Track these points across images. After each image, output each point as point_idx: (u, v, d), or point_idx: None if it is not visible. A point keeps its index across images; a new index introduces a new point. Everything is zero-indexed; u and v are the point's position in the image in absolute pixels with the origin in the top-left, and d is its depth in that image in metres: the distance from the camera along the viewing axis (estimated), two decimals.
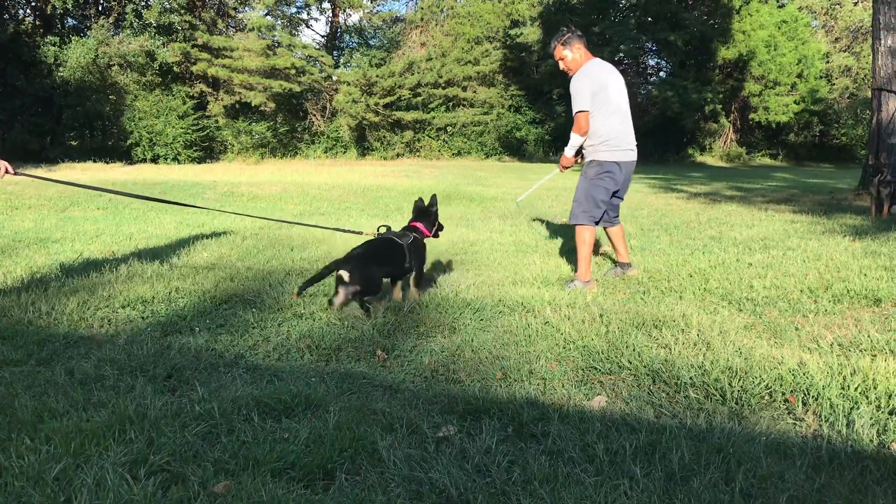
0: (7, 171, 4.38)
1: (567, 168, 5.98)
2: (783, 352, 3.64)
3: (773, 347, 3.78)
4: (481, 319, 4.45)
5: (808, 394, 3.07)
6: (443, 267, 6.19)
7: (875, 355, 3.56)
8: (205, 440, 2.53)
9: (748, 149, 37.73)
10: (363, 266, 4.51)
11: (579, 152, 5.79)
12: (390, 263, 4.84)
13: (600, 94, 5.51)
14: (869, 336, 3.87)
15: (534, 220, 9.71)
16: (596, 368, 3.49)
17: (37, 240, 7.30)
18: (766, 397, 3.11)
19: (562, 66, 5.76)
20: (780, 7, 37.25)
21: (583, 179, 5.70)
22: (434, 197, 5.64)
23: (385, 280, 4.89)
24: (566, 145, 5.80)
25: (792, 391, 3.12)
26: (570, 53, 5.63)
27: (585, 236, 5.56)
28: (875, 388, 3.07)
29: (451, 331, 4.22)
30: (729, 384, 3.19)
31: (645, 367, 3.48)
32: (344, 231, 5.89)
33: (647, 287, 5.40)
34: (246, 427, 2.64)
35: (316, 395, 2.98)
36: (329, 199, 11.94)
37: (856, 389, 3.08)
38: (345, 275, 4.41)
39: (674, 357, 3.57)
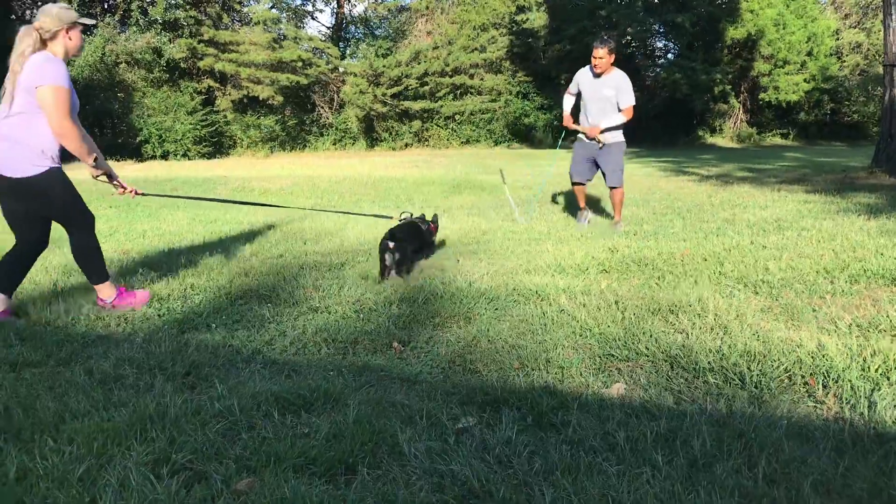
0: (136, 193, 4.85)
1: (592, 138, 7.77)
2: (801, 334, 3.62)
3: (791, 330, 3.76)
4: (496, 309, 4.44)
5: (829, 376, 3.05)
6: (456, 257, 6.18)
7: (895, 336, 3.54)
8: (225, 437, 2.54)
9: (759, 129, 37.42)
10: (403, 242, 5.48)
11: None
12: (417, 241, 5.88)
13: None
14: (888, 316, 3.84)
15: (554, 202, 9.70)
16: (613, 355, 3.48)
17: (51, 240, 7.31)
18: (786, 381, 3.09)
19: (602, 62, 7.41)
20: None
21: (619, 155, 7.76)
22: (436, 216, 6.65)
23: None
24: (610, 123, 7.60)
25: (812, 374, 3.10)
26: (611, 57, 7.44)
27: (623, 192, 7.91)
28: None
29: (466, 321, 4.21)
30: (748, 368, 3.18)
31: (663, 352, 3.46)
32: (376, 216, 6.84)
33: (663, 272, 5.36)
34: (266, 423, 2.65)
35: (334, 388, 2.98)
36: (339, 192, 11.95)
37: (877, 370, 3.06)
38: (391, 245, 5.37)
39: (691, 342, 3.56)
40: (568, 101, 8.11)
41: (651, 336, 3.70)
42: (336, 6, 35.08)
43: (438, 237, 6.65)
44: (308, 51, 30.87)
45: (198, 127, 25.94)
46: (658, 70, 37.05)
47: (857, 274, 4.93)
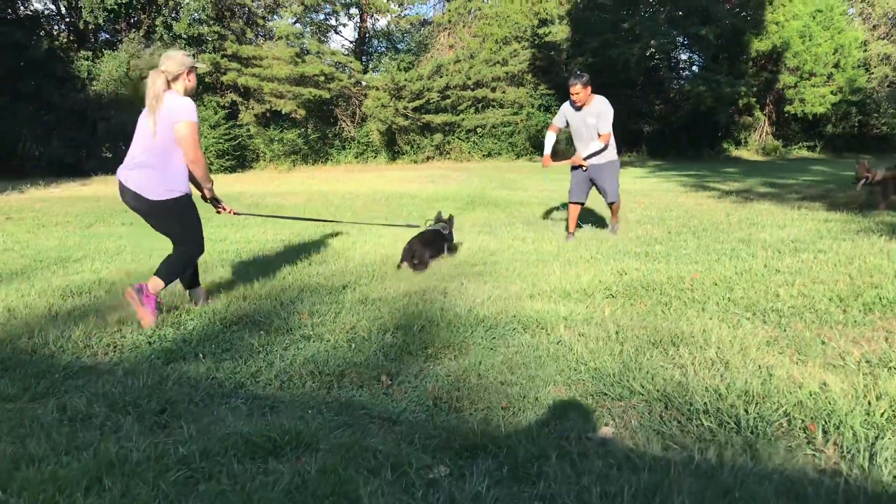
0: (233, 212, 5.63)
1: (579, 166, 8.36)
2: (806, 370, 3.45)
3: (796, 365, 3.59)
4: (493, 338, 4.32)
5: (830, 421, 2.88)
6: (460, 279, 6.05)
7: None
8: (182, 488, 2.42)
9: (785, 141, 36.95)
10: (421, 247, 6.81)
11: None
12: (438, 244, 7.17)
13: None
14: None
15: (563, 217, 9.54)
16: (606, 394, 3.33)
17: (57, 259, 7.32)
18: (785, 425, 2.93)
19: (579, 96, 7.96)
20: None
21: (614, 173, 8.29)
22: (451, 217, 7.68)
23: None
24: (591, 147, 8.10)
25: (813, 418, 2.94)
26: (587, 89, 7.97)
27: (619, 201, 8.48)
28: None
29: (460, 351, 4.09)
30: (745, 410, 3.02)
31: (658, 390, 3.31)
32: (403, 226, 8.04)
33: (670, 297, 5.20)
34: (227, 472, 2.53)
35: (308, 430, 2.86)
36: (353, 209, 11.86)
37: (882, 415, 2.89)
38: (415, 251, 6.74)
39: (688, 379, 3.40)
40: (550, 139, 8.56)
41: (648, 372, 3.55)
42: (359, 20, 35.19)
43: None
44: (331, 65, 30.97)
45: (221, 141, 26.10)
46: (682, 82, 36.77)
47: (871, 302, 4.74)
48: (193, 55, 26.93)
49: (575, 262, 6.78)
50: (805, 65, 33.47)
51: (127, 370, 3.76)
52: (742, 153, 35.89)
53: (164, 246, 8.17)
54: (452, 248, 7.47)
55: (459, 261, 7.02)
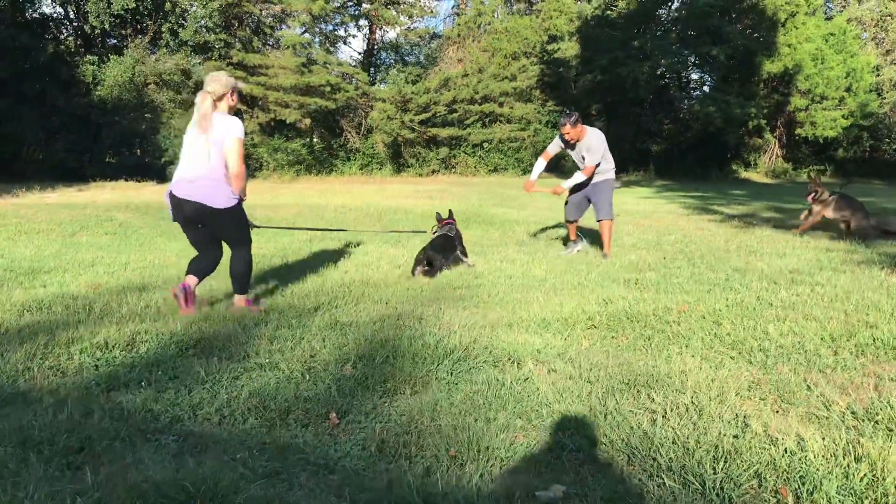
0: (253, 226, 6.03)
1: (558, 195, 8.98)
2: (786, 422, 3.19)
3: (776, 415, 3.33)
4: (459, 372, 4.05)
5: (804, 485, 2.62)
6: (439, 304, 5.79)
7: (892, 430, 3.09)
8: None
9: (795, 164, 36.64)
10: (433, 253, 7.30)
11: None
12: (449, 249, 7.62)
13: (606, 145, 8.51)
14: (888, 403, 3.38)
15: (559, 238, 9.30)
16: (565, 444, 3.07)
17: (29, 270, 7.10)
18: (755, 487, 2.66)
19: (570, 135, 8.27)
20: (827, 19, 36.22)
21: (608, 191, 8.50)
22: (450, 212, 8.44)
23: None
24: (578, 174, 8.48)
25: (785, 480, 2.67)
26: (576, 127, 8.25)
27: (612, 224, 8.61)
28: (883, 480, 2.60)
29: (423, 386, 3.84)
30: (712, 469, 2.76)
31: (622, 440, 3.05)
32: (415, 232, 9.16)
33: (654, 331, 4.94)
34: None
35: (228, 481, 2.59)
36: (343, 222, 11.62)
37: (861, 480, 2.62)
38: (429, 257, 7.26)
39: (657, 429, 3.14)
40: (538, 166, 8.89)
41: (615, 418, 3.29)
42: (368, 32, 35.14)
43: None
44: (337, 76, 30.85)
45: None
46: (692, 102, 36.51)
47: (864, 343, 4.47)
48: (200, 63, 26.96)
49: (561, 288, 6.52)
50: (817, 88, 33.19)
51: (59, 399, 3.51)
52: (751, 175, 35.59)
53: (145, 258, 8.00)
54: (463, 250, 7.93)
55: (442, 283, 6.77)
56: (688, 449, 2.91)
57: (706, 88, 36.98)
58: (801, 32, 33.22)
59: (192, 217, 5.40)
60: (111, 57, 25.97)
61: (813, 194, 10.47)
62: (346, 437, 3.20)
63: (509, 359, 4.29)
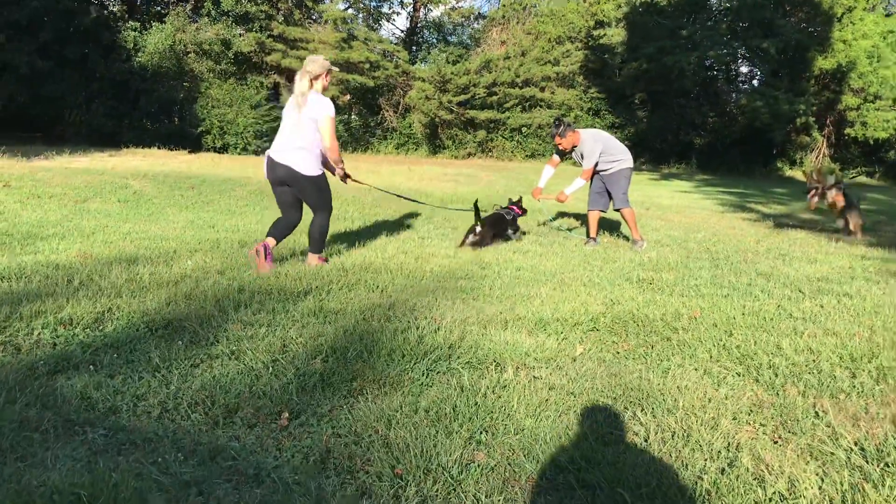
0: (352, 180, 6.94)
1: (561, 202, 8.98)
2: (783, 456, 2.83)
3: (773, 445, 2.96)
4: (434, 374, 3.74)
5: None
6: (435, 294, 5.47)
7: None
8: None
9: (842, 165, 35.45)
10: (483, 228, 7.87)
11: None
12: (500, 226, 8.29)
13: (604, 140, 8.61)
14: None
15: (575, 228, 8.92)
16: (524, 468, 2.74)
17: (27, 235, 6.92)
18: None
19: (562, 145, 8.49)
20: (887, 16, 34.84)
21: (623, 180, 8.52)
22: (520, 198, 8.87)
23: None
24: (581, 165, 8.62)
25: None
26: (566, 136, 8.44)
27: (632, 211, 8.65)
28: None
29: (391, 387, 3.53)
30: None
31: (591, 470, 2.71)
32: (455, 209, 10.16)
33: (659, 338, 4.57)
34: None
35: (131, 490, 2.31)
36: (360, 204, 11.32)
37: None
38: (477, 229, 7.83)
39: (633, 457, 2.79)
40: (546, 173, 8.92)
41: (588, 441, 2.95)
42: (412, 9, 34.71)
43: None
44: (378, 53, 30.52)
45: (260, 122, 25.78)
46: (739, 95, 35.53)
47: (887, 367, 4.06)
48: (240, 35, 26.83)
49: (570, 283, 6.15)
50: (870, 87, 31.95)
51: None
52: (796, 174, 34.53)
53: (148, 229, 7.80)
54: (517, 230, 8.55)
55: (446, 272, 6.44)
56: (660, 486, 2.56)
57: (755, 82, 35.98)
58: (857, 28, 31.98)
59: (282, 178, 6.12)
60: (153, 24, 25.91)
61: (813, 190, 10.30)
62: (291, 442, 2.91)
63: (493, 361, 3.96)
